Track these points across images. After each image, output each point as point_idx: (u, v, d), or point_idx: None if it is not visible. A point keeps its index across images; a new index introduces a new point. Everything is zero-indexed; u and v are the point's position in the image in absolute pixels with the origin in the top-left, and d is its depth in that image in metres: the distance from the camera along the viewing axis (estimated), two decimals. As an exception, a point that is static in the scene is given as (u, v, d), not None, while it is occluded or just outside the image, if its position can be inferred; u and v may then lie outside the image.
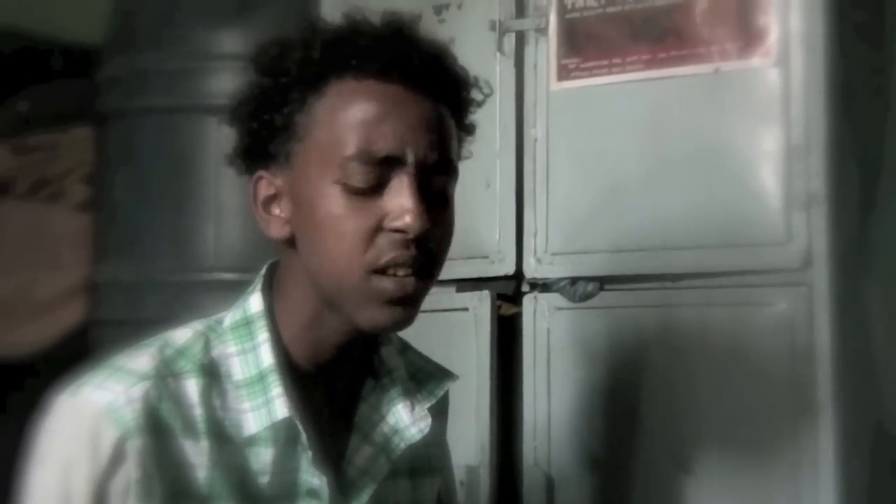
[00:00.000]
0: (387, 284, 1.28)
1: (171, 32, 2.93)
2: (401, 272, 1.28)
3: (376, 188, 1.28)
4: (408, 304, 1.30)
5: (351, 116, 1.28)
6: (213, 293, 2.74)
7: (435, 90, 1.33)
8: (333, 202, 1.27)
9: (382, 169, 1.28)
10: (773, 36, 2.01)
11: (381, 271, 1.28)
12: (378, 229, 1.27)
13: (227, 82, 2.82)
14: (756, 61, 2.02)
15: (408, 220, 1.26)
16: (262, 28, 2.76)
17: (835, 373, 1.91)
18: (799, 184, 1.96)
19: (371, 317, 1.30)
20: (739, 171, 2.02)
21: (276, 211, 1.34)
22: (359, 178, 1.27)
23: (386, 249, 1.27)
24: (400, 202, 1.27)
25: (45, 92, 3.49)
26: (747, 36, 2.03)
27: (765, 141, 2.01)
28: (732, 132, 2.04)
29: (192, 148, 2.85)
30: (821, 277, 1.94)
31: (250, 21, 2.83)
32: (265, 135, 1.32)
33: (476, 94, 1.42)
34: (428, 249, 1.30)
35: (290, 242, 1.33)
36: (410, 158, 1.28)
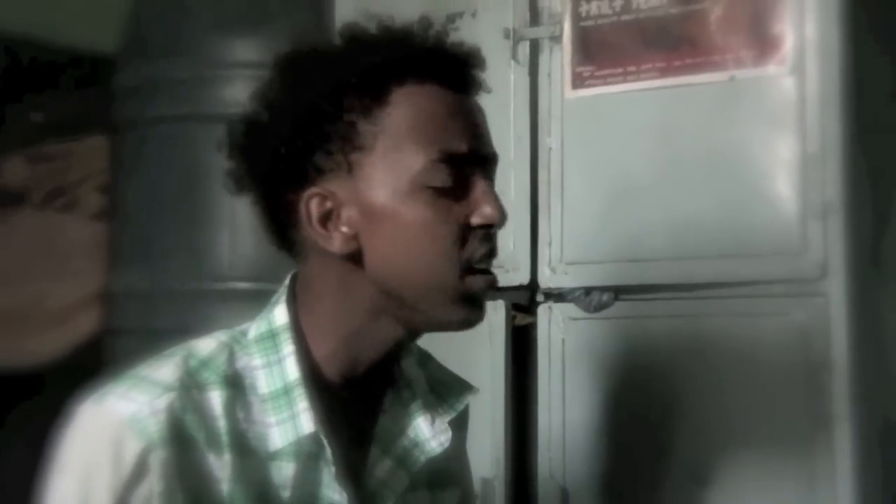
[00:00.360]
0: (478, 282, 1.31)
1: (185, 41, 2.93)
2: (485, 265, 1.32)
3: (459, 187, 1.30)
4: (483, 301, 1.34)
5: (425, 120, 1.29)
6: (228, 303, 2.75)
7: (474, 91, 1.37)
8: (420, 206, 1.28)
9: (461, 168, 1.30)
10: (788, 44, 2.00)
11: (472, 269, 1.30)
12: (467, 227, 1.30)
13: (241, 91, 2.81)
14: (771, 69, 2.02)
15: (492, 213, 1.30)
16: (277, 36, 2.77)
17: (851, 384, 1.90)
18: (815, 193, 1.95)
19: (458, 315, 1.31)
20: (755, 180, 2.01)
21: (337, 226, 1.30)
22: (443, 179, 1.28)
23: (476, 246, 1.30)
24: (484, 198, 1.31)
25: (60, 101, 3.50)
26: (762, 44, 2.02)
27: (780, 149, 2.00)
28: (748, 140, 2.03)
29: (205, 156, 2.84)
30: (837, 288, 1.93)
31: (264, 30, 2.83)
32: (317, 148, 1.29)
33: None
34: (495, 242, 1.34)
35: (352, 256, 1.31)
36: (483, 154, 1.33)
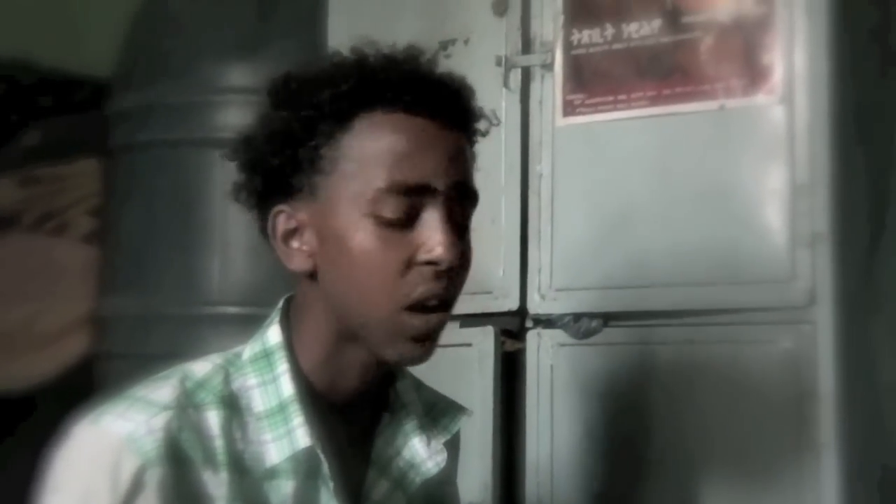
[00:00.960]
0: (415, 322, 1.29)
1: (180, 66, 2.94)
2: (431, 303, 1.29)
3: (407, 220, 1.28)
4: (431, 340, 1.32)
5: (382, 149, 1.28)
6: (219, 327, 2.74)
7: (457, 122, 1.34)
8: (365, 235, 1.28)
9: (413, 201, 1.28)
10: (777, 73, 2.02)
11: (411, 307, 1.28)
12: (410, 262, 1.28)
13: (234, 116, 2.83)
14: (761, 98, 2.03)
15: (440, 252, 1.27)
16: (270, 62, 2.78)
17: (838, 412, 1.91)
18: (804, 221, 1.96)
19: (395, 352, 1.31)
20: (744, 209, 2.02)
21: (298, 244, 1.33)
22: (391, 209, 1.27)
23: (418, 283, 1.28)
24: (433, 234, 1.28)
25: (55, 125, 3.51)
26: (752, 73, 2.04)
27: (770, 178, 2.01)
28: (737, 169, 2.04)
29: (198, 181, 2.85)
30: (825, 315, 1.93)
31: (258, 55, 2.84)
32: (288, 169, 1.31)
33: (484, 125, 1.42)
34: (453, 281, 1.31)
35: (312, 275, 1.32)
36: (441, 188, 1.29)
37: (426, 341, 1.31)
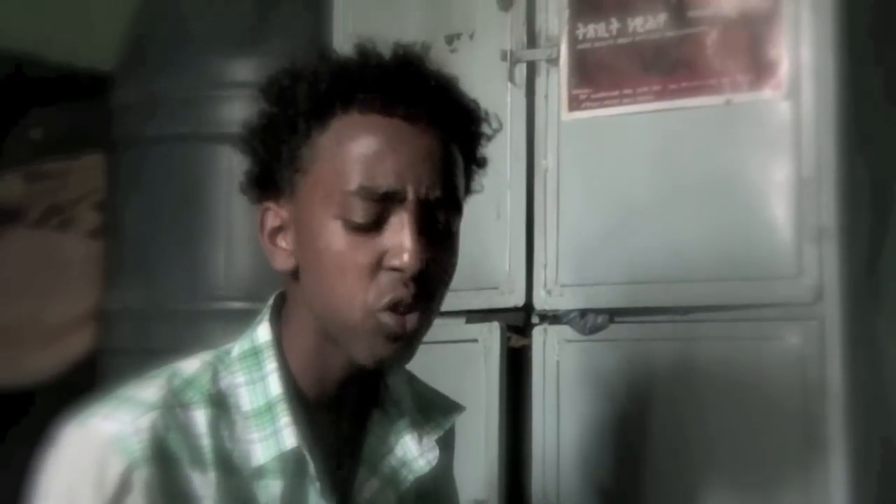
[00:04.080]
0: (387, 320, 1.27)
1: (184, 60, 2.94)
2: (401, 309, 1.27)
3: (377, 224, 1.27)
4: (408, 340, 1.29)
5: (353, 151, 1.27)
6: (223, 322, 2.74)
7: (441, 124, 1.31)
8: (334, 237, 1.27)
9: (383, 205, 1.26)
10: (783, 68, 2.01)
11: (384, 309, 1.27)
12: (378, 266, 1.26)
13: (238, 110, 2.82)
14: (767, 93, 2.02)
15: (406, 258, 1.25)
16: (274, 56, 2.77)
17: (846, 408, 1.90)
18: (810, 217, 1.95)
19: (371, 352, 1.29)
20: (750, 204, 2.01)
21: (282, 243, 1.33)
22: (359, 213, 1.26)
23: (387, 289, 1.26)
24: (398, 240, 1.26)
25: (58, 119, 3.50)
26: (758, 68, 2.03)
27: (776, 173, 2.00)
28: (743, 164, 2.03)
29: (203, 176, 2.85)
30: (832, 311, 1.93)
31: (262, 49, 2.84)
32: (273, 165, 1.32)
33: (486, 128, 1.40)
34: (427, 286, 1.28)
35: (295, 274, 1.32)
36: (411, 195, 1.27)
37: (403, 342, 1.29)
